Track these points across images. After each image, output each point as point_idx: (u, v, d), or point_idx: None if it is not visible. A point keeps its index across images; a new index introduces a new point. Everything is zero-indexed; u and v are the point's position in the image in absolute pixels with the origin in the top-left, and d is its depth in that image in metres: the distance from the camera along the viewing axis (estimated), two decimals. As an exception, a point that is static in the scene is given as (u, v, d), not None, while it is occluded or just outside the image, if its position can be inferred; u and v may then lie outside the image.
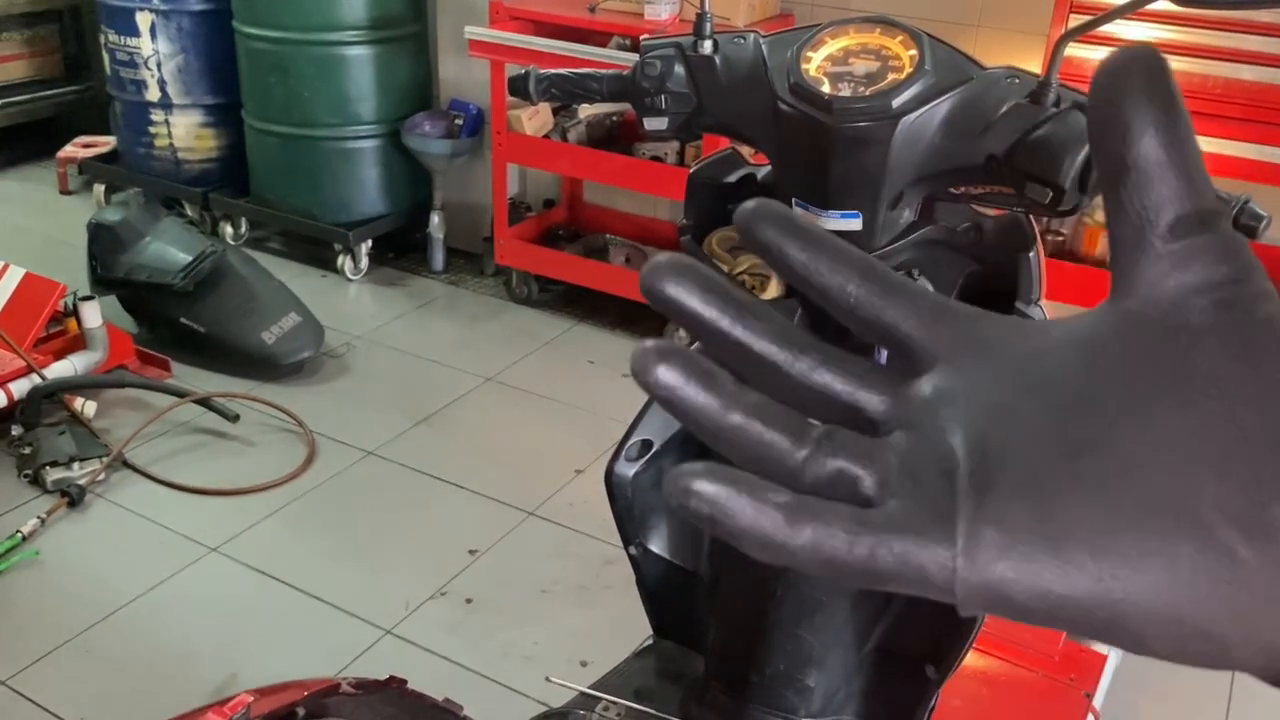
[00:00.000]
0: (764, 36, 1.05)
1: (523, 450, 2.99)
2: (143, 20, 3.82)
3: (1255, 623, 0.25)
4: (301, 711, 1.16)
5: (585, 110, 3.55)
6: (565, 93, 1.16)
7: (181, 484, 2.74)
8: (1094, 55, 2.66)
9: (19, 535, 2.47)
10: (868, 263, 0.31)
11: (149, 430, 2.91)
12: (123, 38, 3.88)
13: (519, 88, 1.16)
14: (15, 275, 3.04)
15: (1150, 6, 0.90)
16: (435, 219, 3.90)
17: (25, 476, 2.71)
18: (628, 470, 1.21)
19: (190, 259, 3.19)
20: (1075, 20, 2.47)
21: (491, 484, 2.78)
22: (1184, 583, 0.25)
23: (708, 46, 1.06)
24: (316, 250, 3.95)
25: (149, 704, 2.07)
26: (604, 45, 3.31)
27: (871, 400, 0.30)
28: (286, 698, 1.17)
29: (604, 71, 1.14)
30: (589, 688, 1.34)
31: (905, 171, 0.96)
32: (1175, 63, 2.59)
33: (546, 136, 3.54)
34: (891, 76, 0.95)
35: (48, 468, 2.68)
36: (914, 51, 0.96)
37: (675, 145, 3.37)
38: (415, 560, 2.52)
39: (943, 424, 0.28)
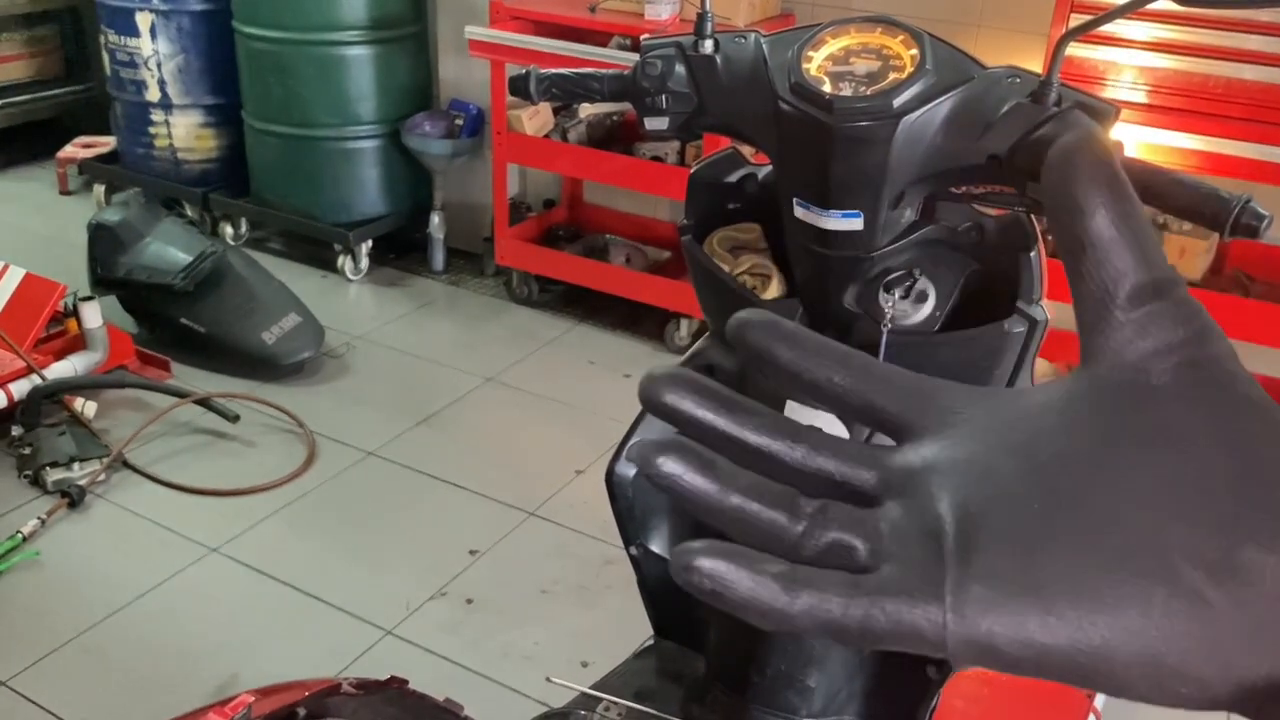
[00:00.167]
0: (765, 36, 1.05)
1: (523, 450, 2.99)
2: (143, 20, 3.82)
3: (1229, 660, 0.27)
4: (302, 712, 1.16)
5: (586, 110, 3.55)
6: (566, 92, 1.16)
7: (182, 484, 2.74)
8: (1095, 55, 2.66)
9: (19, 536, 2.47)
10: (849, 354, 0.34)
11: (149, 431, 2.91)
12: (123, 38, 3.88)
13: (519, 87, 1.16)
14: (15, 276, 3.04)
15: (1150, 6, 0.90)
16: (435, 219, 3.90)
17: (25, 477, 2.71)
18: (628, 470, 1.21)
19: (190, 259, 3.19)
20: (1076, 20, 2.47)
21: (492, 484, 2.78)
22: (1159, 625, 0.27)
23: (708, 46, 1.06)
24: (317, 250, 3.95)
25: (150, 704, 2.07)
26: (604, 45, 3.31)
27: (862, 476, 0.32)
28: (287, 698, 1.17)
29: (604, 71, 1.14)
30: (590, 688, 1.34)
31: (906, 171, 0.96)
32: (1176, 62, 2.60)
33: (547, 136, 3.54)
34: (893, 76, 0.95)
35: (48, 468, 2.68)
36: (915, 51, 0.96)
37: (676, 145, 3.37)
38: (416, 560, 2.52)
39: (929, 491, 0.30)
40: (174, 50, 3.86)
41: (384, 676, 1.31)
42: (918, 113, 0.93)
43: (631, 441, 1.20)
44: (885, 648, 0.28)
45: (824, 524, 0.30)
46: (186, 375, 3.18)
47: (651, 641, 1.39)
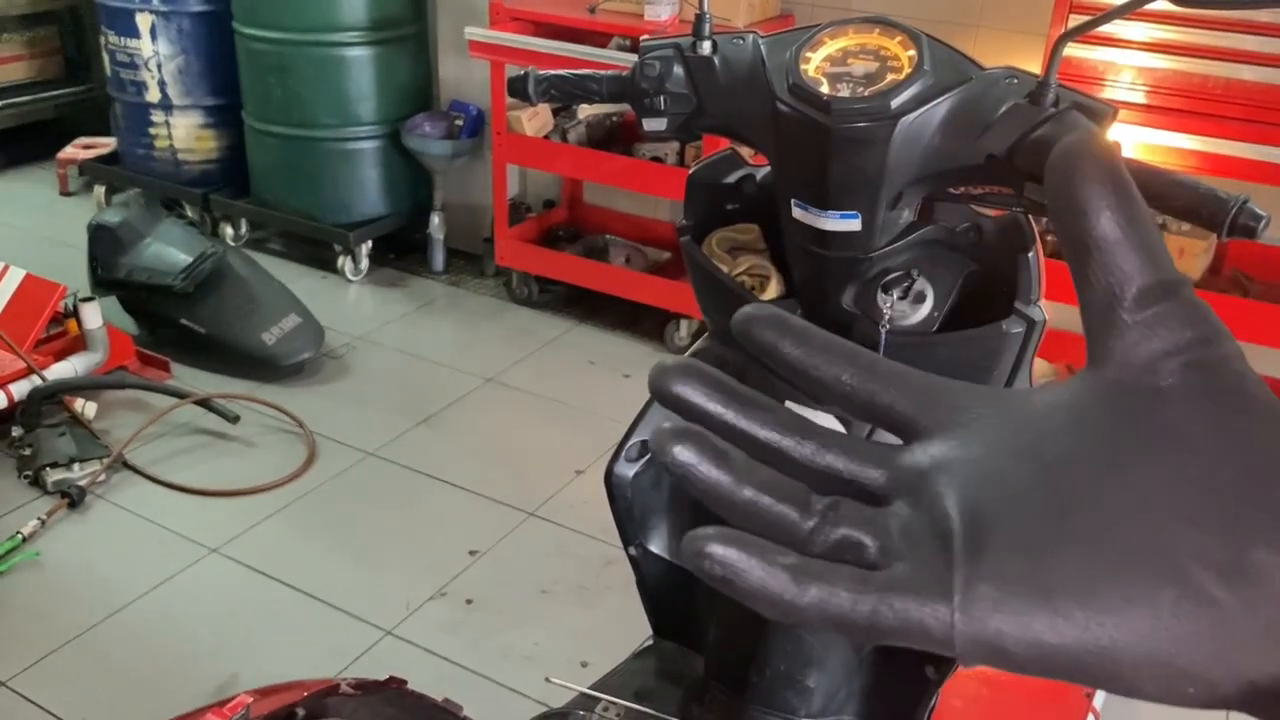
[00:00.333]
0: (763, 37, 1.05)
1: (523, 451, 2.99)
2: (143, 21, 3.83)
3: (1237, 661, 0.27)
4: (301, 712, 1.16)
5: (585, 111, 3.55)
6: (564, 93, 1.16)
7: (182, 485, 2.74)
8: (1093, 55, 2.66)
9: (19, 536, 2.47)
10: (856, 351, 0.34)
11: (149, 431, 2.91)
12: (123, 39, 3.88)
13: (518, 88, 1.16)
14: (15, 276, 3.04)
15: (1149, 7, 0.90)
16: (435, 220, 3.90)
17: (25, 478, 2.71)
18: (627, 471, 1.21)
19: (190, 260, 3.20)
20: (1075, 20, 2.47)
21: (492, 485, 2.78)
22: (1167, 627, 0.27)
23: (706, 47, 1.06)
24: (317, 251, 3.96)
25: (149, 705, 2.07)
26: (604, 46, 3.31)
27: (871, 475, 0.32)
28: (286, 698, 1.17)
29: (603, 72, 1.14)
30: (589, 688, 1.34)
31: (904, 172, 0.96)
32: (1174, 63, 2.60)
33: (546, 137, 3.54)
34: (890, 77, 0.95)
35: (48, 469, 2.68)
36: (913, 52, 0.96)
37: (675, 146, 3.38)
38: (415, 561, 2.52)
39: (938, 490, 0.30)
40: (174, 51, 3.87)
41: (383, 677, 1.31)
42: (916, 113, 0.94)
43: (631, 442, 1.21)
44: (892, 644, 0.29)
45: (834, 520, 0.30)
46: (186, 376, 3.18)
47: (651, 642, 1.39)
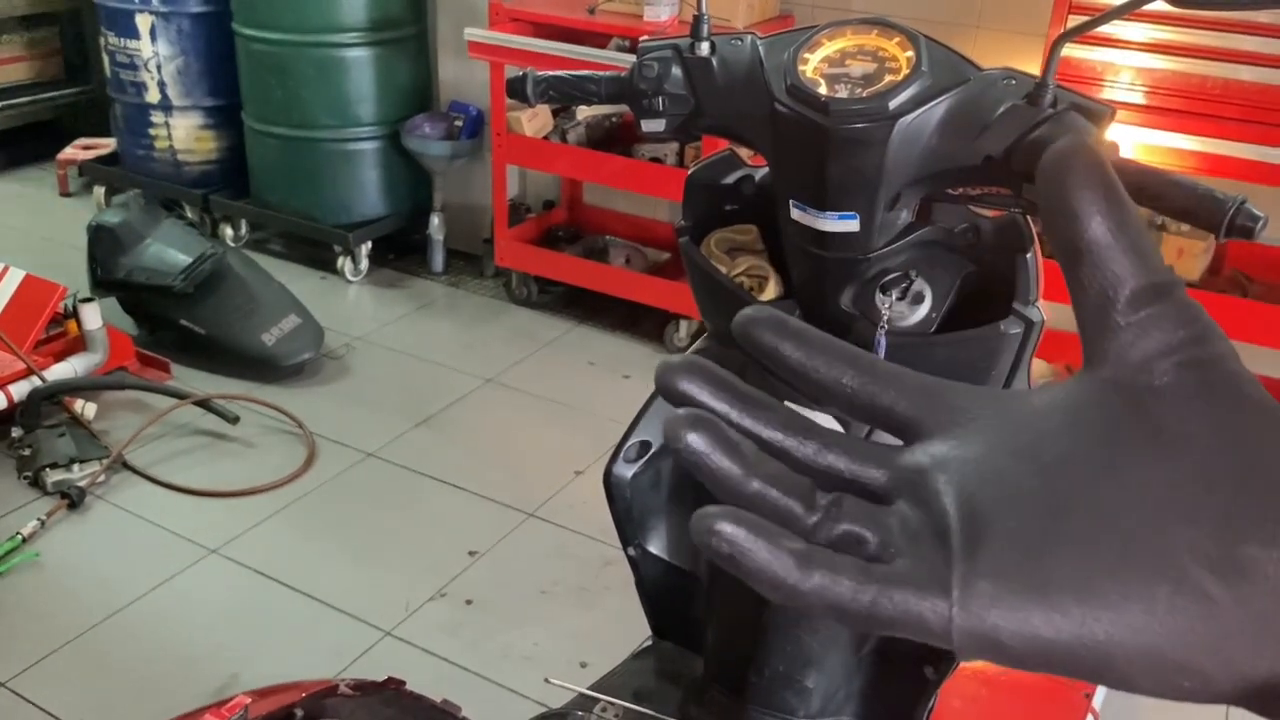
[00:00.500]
0: (761, 38, 1.05)
1: (522, 451, 2.99)
2: (142, 22, 3.83)
3: (1231, 655, 0.28)
4: (300, 713, 1.16)
5: (584, 112, 3.55)
6: (563, 94, 1.16)
7: (181, 486, 2.74)
8: (1093, 56, 2.66)
9: (19, 537, 2.47)
10: (857, 354, 0.34)
11: (149, 432, 2.91)
12: (122, 40, 3.89)
13: (517, 89, 1.16)
14: (15, 277, 3.04)
15: (1147, 7, 0.90)
16: (435, 220, 3.90)
17: (25, 478, 2.71)
18: (626, 471, 1.21)
19: (190, 261, 3.20)
20: (1074, 21, 2.47)
21: (491, 485, 2.78)
22: (1162, 622, 0.28)
23: (705, 48, 1.06)
24: (316, 252, 3.96)
25: (149, 706, 2.07)
26: (603, 47, 3.32)
27: (872, 475, 0.33)
28: (284, 699, 1.17)
29: (601, 73, 1.14)
30: (588, 689, 1.34)
31: (902, 173, 0.96)
32: (1173, 63, 2.60)
33: (546, 138, 3.54)
34: (888, 78, 0.95)
35: (48, 469, 2.68)
36: (911, 53, 0.96)
37: (675, 147, 3.38)
38: (415, 561, 2.52)
39: (938, 489, 0.31)
40: (174, 52, 3.87)
41: (382, 677, 1.32)
42: (913, 114, 0.94)
43: (630, 442, 1.21)
44: (890, 634, 0.29)
45: (837, 516, 0.31)
46: (186, 376, 3.18)
47: (650, 642, 1.39)
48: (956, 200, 1.03)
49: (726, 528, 0.30)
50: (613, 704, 1.30)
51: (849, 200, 0.98)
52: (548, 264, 3.65)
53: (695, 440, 0.32)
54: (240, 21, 3.72)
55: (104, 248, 3.25)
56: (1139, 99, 2.64)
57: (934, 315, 1.04)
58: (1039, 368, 2.61)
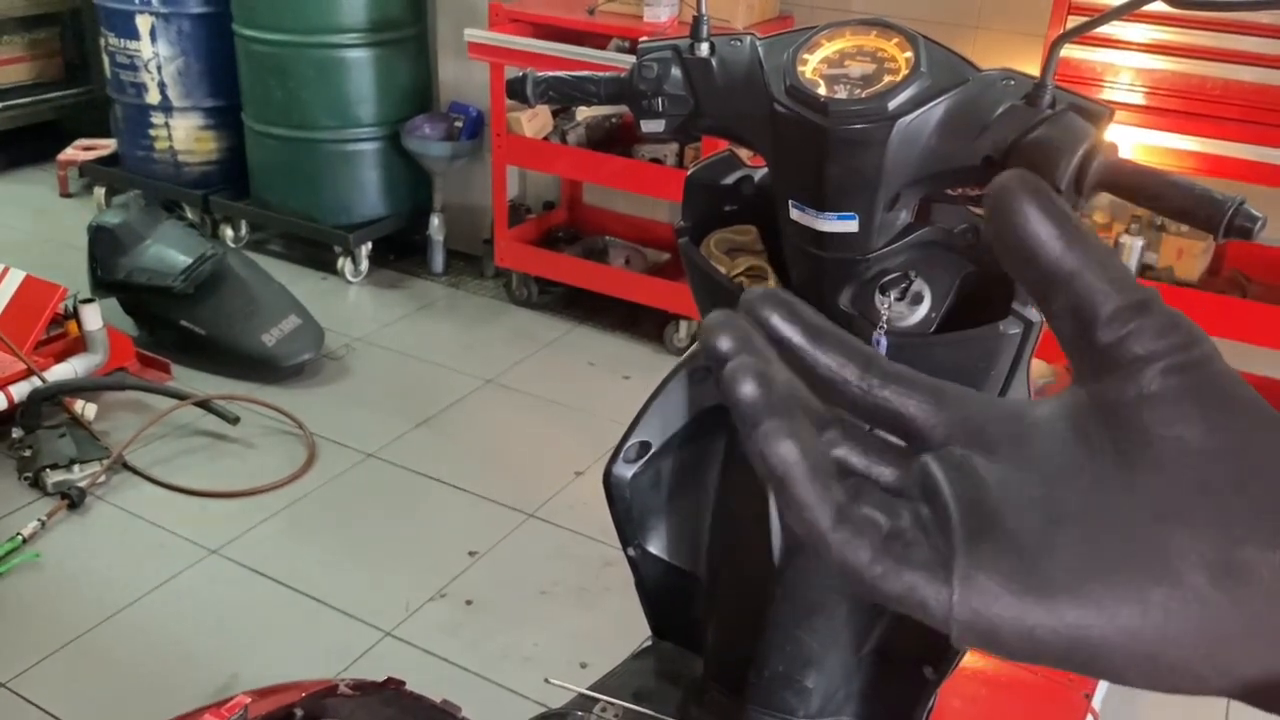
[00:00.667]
0: (761, 39, 1.05)
1: (522, 452, 2.99)
2: (143, 23, 3.83)
3: (1224, 658, 0.28)
4: (299, 713, 1.16)
5: (584, 112, 3.55)
6: (562, 95, 1.16)
7: (182, 486, 2.74)
8: (1092, 57, 2.66)
9: (19, 538, 2.47)
10: (868, 355, 0.34)
11: (149, 432, 2.91)
12: (123, 41, 3.89)
13: (516, 90, 1.16)
14: (16, 278, 3.04)
15: (1146, 8, 0.91)
16: (435, 221, 3.91)
17: (26, 479, 2.71)
18: (626, 471, 1.21)
19: (190, 261, 3.20)
20: (1074, 21, 2.47)
21: (491, 486, 2.79)
22: (1156, 625, 0.28)
23: (704, 49, 1.06)
24: (316, 252, 3.96)
25: (149, 706, 2.07)
26: (603, 47, 3.32)
27: (885, 474, 0.33)
28: (284, 699, 1.17)
29: (601, 74, 1.14)
30: (588, 689, 1.34)
31: (901, 173, 0.97)
32: (1173, 64, 2.60)
33: (546, 138, 3.55)
34: (887, 79, 0.95)
35: (48, 470, 2.68)
36: (910, 54, 0.96)
37: (675, 147, 3.38)
38: (415, 562, 2.52)
39: (943, 489, 0.31)
40: (174, 53, 3.87)
41: (382, 678, 1.32)
42: (912, 115, 0.94)
43: (630, 443, 1.21)
44: (889, 607, 0.30)
45: (855, 498, 0.31)
46: (186, 377, 3.18)
47: (650, 643, 1.39)
48: (955, 201, 1.03)
49: (784, 449, 0.30)
50: (613, 704, 1.30)
51: (848, 201, 0.98)
52: (548, 264, 3.65)
53: (725, 342, 0.31)
54: (240, 22, 3.72)
55: (104, 248, 3.26)
56: (1138, 100, 2.64)
57: (933, 315, 1.04)
58: (1038, 368, 2.61)
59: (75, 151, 4.46)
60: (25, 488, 2.70)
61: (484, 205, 3.85)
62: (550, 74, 1.16)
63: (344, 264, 3.85)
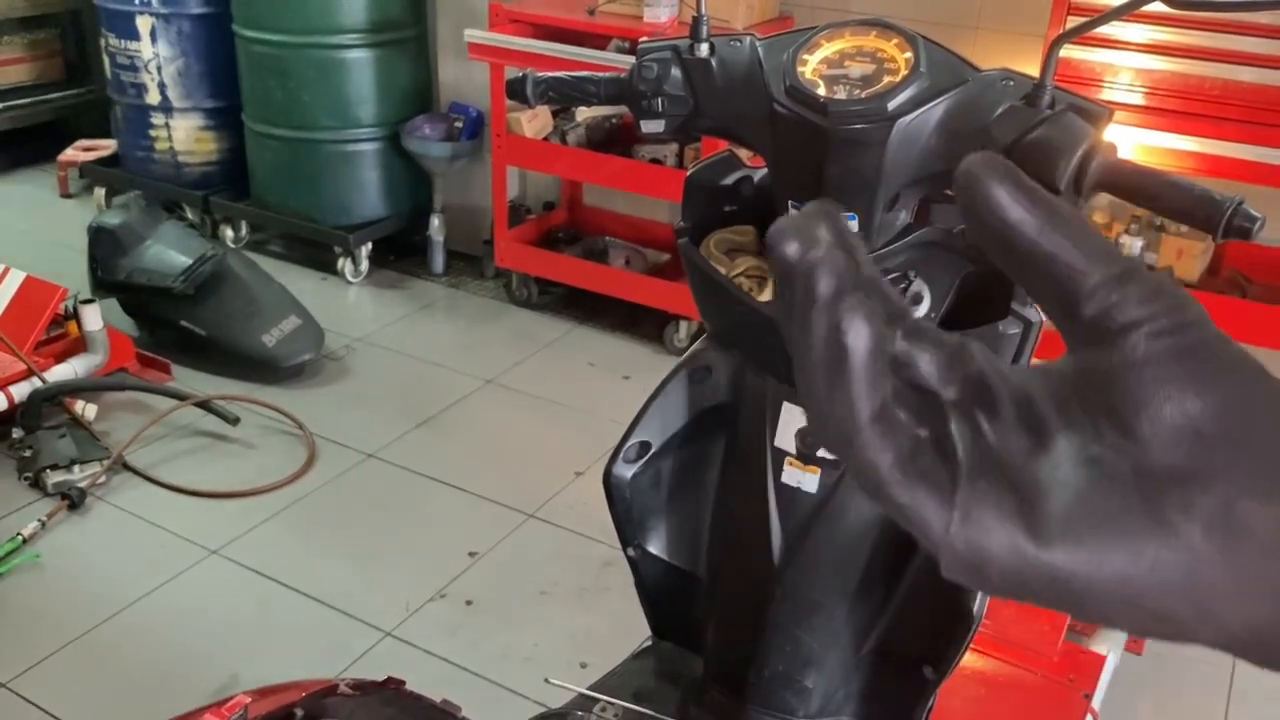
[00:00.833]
0: (760, 39, 1.05)
1: (522, 452, 2.99)
2: (143, 24, 3.83)
3: (1213, 610, 0.29)
4: (299, 712, 1.16)
5: (584, 113, 3.55)
6: (562, 95, 1.16)
7: (182, 487, 2.74)
8: (1092, 57, 2.67)
9: (20, 538, 2.47)
10: (901, 308, 0.34)
11: (149, 433, 2.91)
12: (123, 41, 3.89)
13: (516, 91, 1.16)
14: (16, 278, 3.04)
15: (1146, 8, 0.91)
16: (435, 222, 3.91)
17: (26, 479, 2.71)
18: (626, 472, 1.21)
19: (190, 262, 3.20)
20: (1073, 22, 2.48)
21: (491, 486, 2.79)
22: (1145, 574, 0.29)
23: (704, 49, 1.06)
24: (317, 253, 3.96)
25: (149, 706, 2.07)
26: (603, 48, 3.32)
27: (931, 377, 0.33)
28: (284, 699, 1.17)
29: (601, 74, 1.14)
30: (588, 689, 1.34)
31: (901, 173, 0.97)
32: (1172, 64, 2.60)
33: (546, 139, 3.55)
34: (887, 79, 0.95)
35: (48, 470, 2.68)
36: (909, 54, 0.96)
37: (674, 148, 3.38)
38: (415, 562, 2.52)
39: (957, 431, 0.32)
40: (174, 53, 3.87)
41: (382, 677, 1.32)
42: (912, 115, 0.94)
43: (630, 443, 1.21)
44: (893, 517, 0.30)
45: (898, 400, 0.32)
46: (187, 378, 3.18)
47: (650, 643, 1.39)
48: (955, 201, 1.03)
49: (861, 338, 0.30)
50: (612, 704, 1.30)
51: (848, 201, 0.98)
52: (548, 265, 3.65)
53: (792, 248, 0.31)
54: (240, 23, 3.72)
55: (104, 249, 3.26)
56: (1137, 100, 2.64)
57: (932, 315, 1.04)
58: (1038, 368, 2.60)
59: (75, 152, 4.46)
60: (25, 488, 2.70)
61: (484, 206, 3.85)
62: (550, 74, 1.16)
63: (344, 264, 3.85)
